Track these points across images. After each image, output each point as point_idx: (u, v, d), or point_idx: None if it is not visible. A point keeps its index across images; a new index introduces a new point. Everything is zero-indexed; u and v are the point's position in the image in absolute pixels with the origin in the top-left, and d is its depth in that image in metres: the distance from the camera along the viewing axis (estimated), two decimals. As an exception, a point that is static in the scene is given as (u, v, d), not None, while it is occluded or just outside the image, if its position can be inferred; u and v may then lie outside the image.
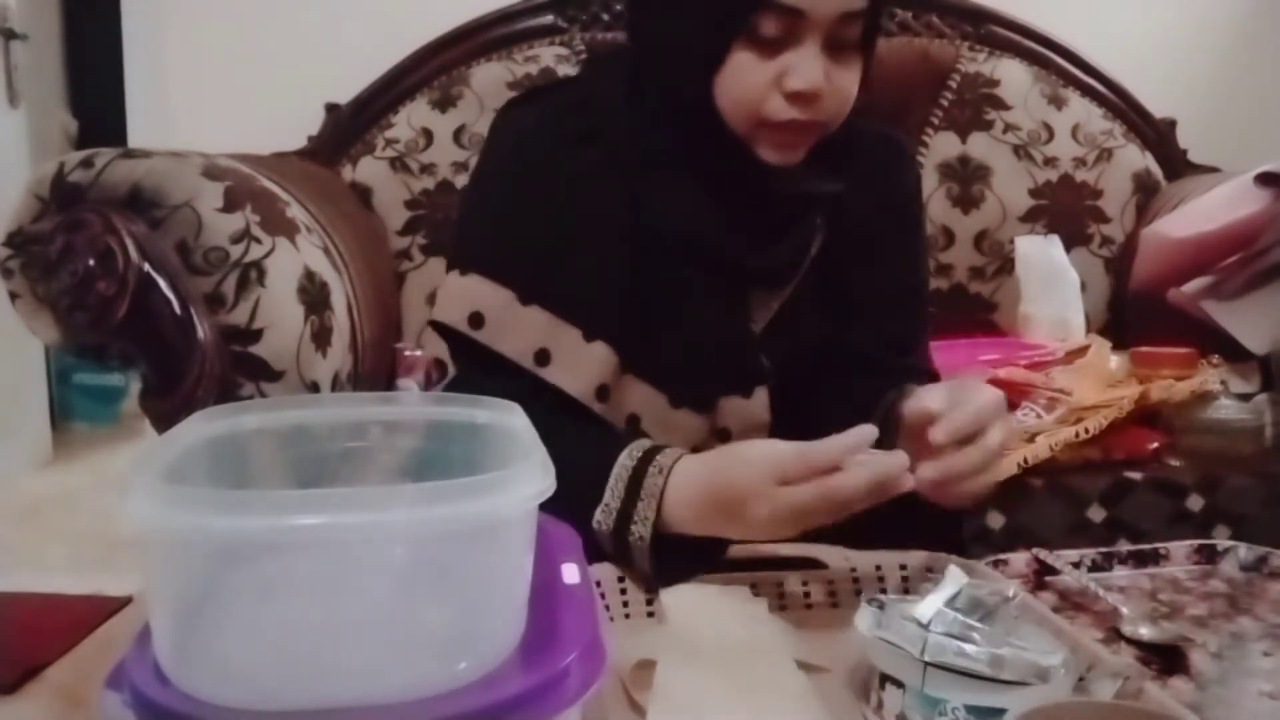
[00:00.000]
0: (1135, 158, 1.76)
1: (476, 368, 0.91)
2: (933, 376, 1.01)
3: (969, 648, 0.57)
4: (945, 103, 1.73)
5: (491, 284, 0.90)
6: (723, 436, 0.93)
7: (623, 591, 0.79)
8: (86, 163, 1.04)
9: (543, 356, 0.88)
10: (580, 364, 0.88)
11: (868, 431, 0.72)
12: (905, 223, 1.03)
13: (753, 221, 0.91)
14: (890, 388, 0.89)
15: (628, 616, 0.78)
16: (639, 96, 0.91)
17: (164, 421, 1.04)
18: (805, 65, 0.82)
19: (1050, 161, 1.72)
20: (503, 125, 0.99)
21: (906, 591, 0.80)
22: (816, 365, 0.96)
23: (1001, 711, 0.56)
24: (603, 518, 0.79)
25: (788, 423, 0.86)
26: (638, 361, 0.91)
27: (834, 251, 0.96)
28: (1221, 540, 0.94)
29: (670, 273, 0.90)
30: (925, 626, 0.59)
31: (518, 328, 0.89)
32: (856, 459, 0.71)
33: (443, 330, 0.92)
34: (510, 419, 0.65)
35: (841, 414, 0.87)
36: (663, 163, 0.90)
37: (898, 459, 0.72)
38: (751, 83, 0.83)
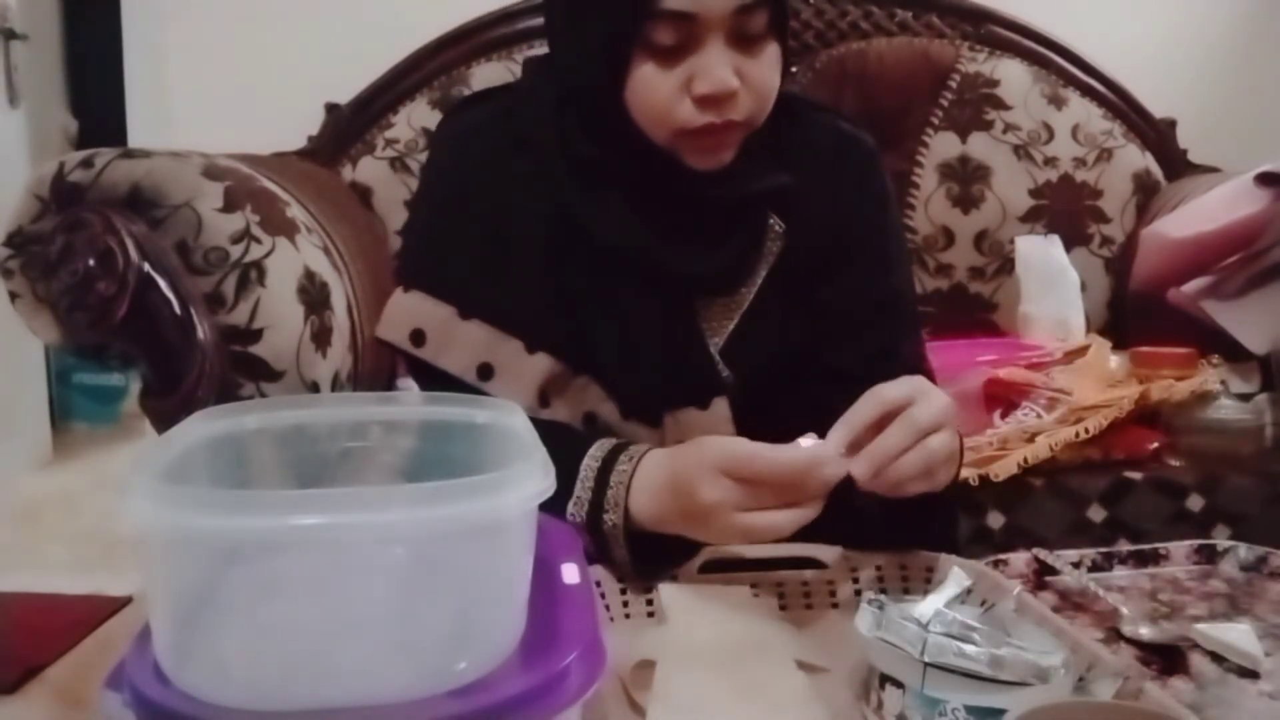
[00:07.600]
0: (1135, 158, 1.76)
1: (426, 381, 0.91)
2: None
3: (969, 648, 0.57)
4: (945, 103, 1.72)
5: (431, 300, 0.89)
6: None
7: (623, 591, 0.79)
8: (86, 163, 1.04)
9: (485, 371, 0.88)
10: (523, 376, 0.88)
11: (823, 453, 0.73)
12: (873, 226, 0.97)
13: (687, 228, 0.89)
14: None
15: (628, 616, 0.78)
16: (564, 106, 0.89)
17: (164, 421, 1.04)
18: (710, 67, 0.79)
19: (1050, 161, 1.72)
20: (438, 136, 0.97)
21: (906, 591, 0.80)
22: (786, 376, 0.93)
23: (1001, 712, 0.56)
24: (575, 510, 0.80)
25: (757, 434, 0.82)
26: (589, 369, 0.90)
27: (798, 257, 0.93)
28: (1221, 540, 0.94)
29: (607, 282, 0.89)
30: (925, 627, 0.59)
31: (459, 343, 0.89)
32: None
33: (391, 346, 0.92)
34: (510, 419, 0.65)
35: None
36: (590, 173, 0.88)
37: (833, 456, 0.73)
38: (658, 94, 0.81)
